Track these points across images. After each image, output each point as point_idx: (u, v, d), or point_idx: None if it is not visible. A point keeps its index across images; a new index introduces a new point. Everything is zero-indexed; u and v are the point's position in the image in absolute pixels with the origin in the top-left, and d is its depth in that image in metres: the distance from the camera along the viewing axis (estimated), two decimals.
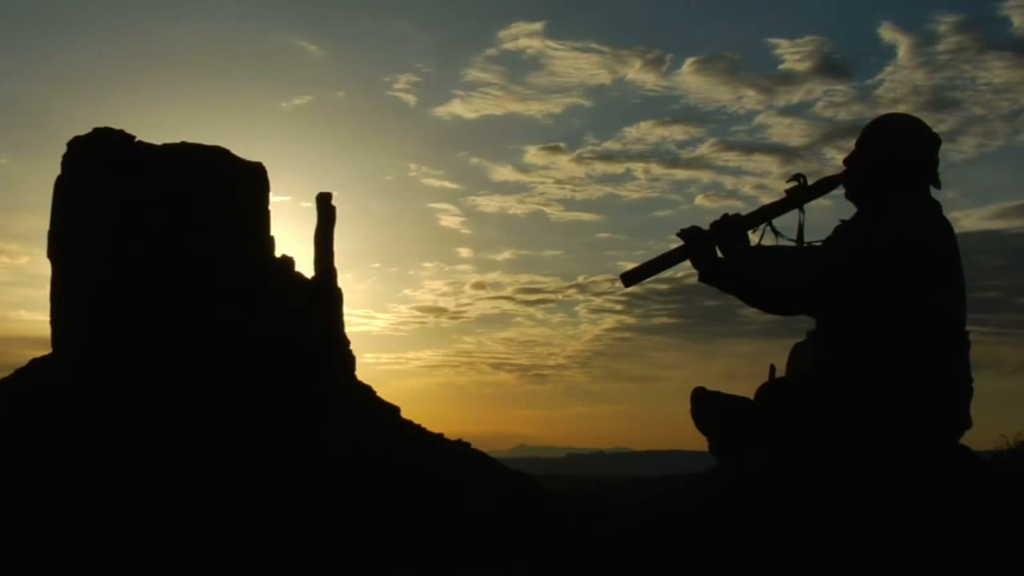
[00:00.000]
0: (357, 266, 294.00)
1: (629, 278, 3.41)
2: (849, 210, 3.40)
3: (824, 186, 3.39)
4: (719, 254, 3.34)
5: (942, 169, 3.34)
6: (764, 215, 3.39)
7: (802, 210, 3.39)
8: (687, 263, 3.38)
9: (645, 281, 3.47)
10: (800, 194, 3.39)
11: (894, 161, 3.27)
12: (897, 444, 3.10)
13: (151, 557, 38.27)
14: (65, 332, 57.53)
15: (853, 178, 3.36)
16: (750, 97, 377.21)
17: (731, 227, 3.34)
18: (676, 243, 3.39)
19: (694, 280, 3.38)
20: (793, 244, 3.38)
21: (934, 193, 3.32)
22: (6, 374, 57.42)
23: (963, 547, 2.93)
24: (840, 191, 3.40)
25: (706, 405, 3.42)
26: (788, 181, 3.42)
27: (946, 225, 3.23)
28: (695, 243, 3.33)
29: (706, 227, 3.36)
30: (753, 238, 3.37)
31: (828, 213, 3.74)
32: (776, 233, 3.39)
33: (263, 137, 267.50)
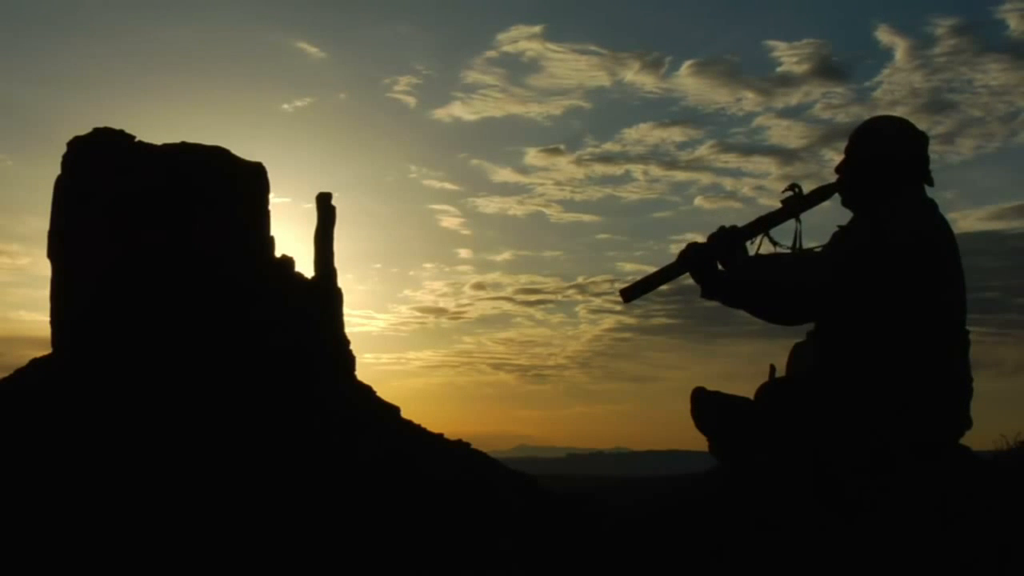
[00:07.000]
0: (357, 266, 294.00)
1: (628, 294, 3.40)
2: (846, 216, 3.41)
3: (820, 195, 3.39)
4: (719, 267, 3.35)
5: (940, 170, 3.35)
6: (761, 226, 3.39)
7: (798, 219, 3.39)
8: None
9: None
10: (796, 203, 3.39)
11: (886, 163, 3.28)
12: (897, 444, 3.10)
13: (151, 557, 38.26)
14: (65, 332, 57.49)
15: (847, 185, 3.36)
16: (749, 99, 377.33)
17: (728, 239, 3.35)
18: (675, 244, 3.39)
19: (694, 281, 3.38)
20: (791, 252, 3.38)
21: (928, 191, 3.33)
22: (6, 374, 57.38)
23: (963, 547, 2.93)
24: (836, 199, 3.40)
25: (706, 405, 3.42)
26: (783, 191, 3.42)
27: (945, 225, 3.24)
28: (694, 256, 3.33)
29: (704, 237, 3.37)
30: (751, 249, 3.37)
31: (827, 216, 3.75)
32: (774, 243, 3.39)
33: (264, 138, 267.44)
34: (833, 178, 3.40)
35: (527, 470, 65.20)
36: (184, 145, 61.11)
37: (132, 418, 51.07)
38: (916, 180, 3.29)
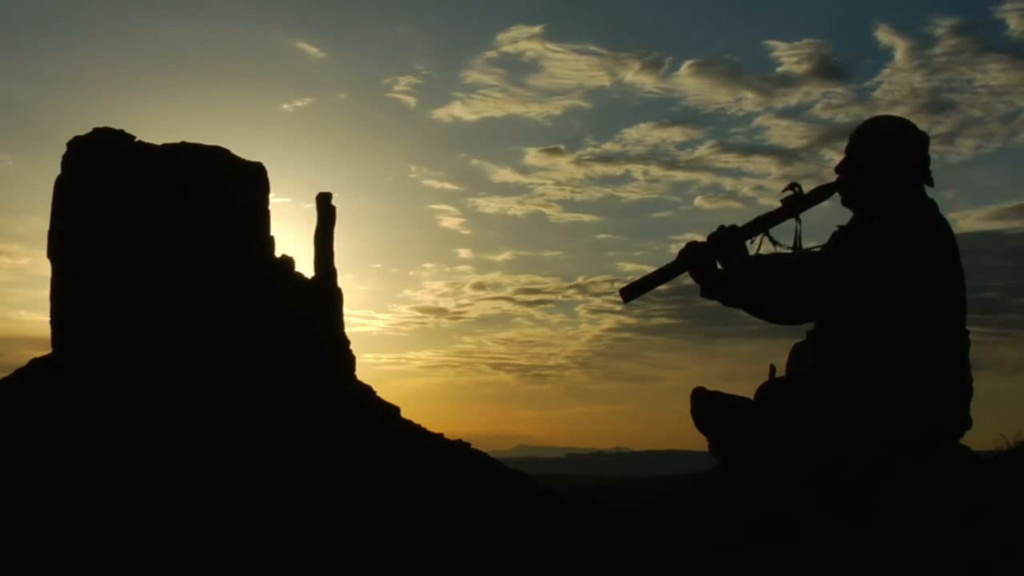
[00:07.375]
0: (357, 266, 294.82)
1: (628, 293, 3.39)
2: (846, 216, 3.40)
3: (819, 194, 3.39)
4: (718, 266, 3.34)
5: (939, 170, 3.35)
6: (761, 225, 3.38)
7: (798, 219, 3.38)
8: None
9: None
10: (796, 203, 3.38)
11: (887, 163, 3.28)
12: (897, 444, 3.10)
13: (151, 557, 38.25)
14: (65, 332, 57.47)
15: (848, 184, 3.36)
16: (749, 99, 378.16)
17: (728, 238, 3.34)
18: (675, 245, 3.39)
19: (693, 280, 3.37)
20: (791, 252, 3.37)
21: (928, 191, 3.33)
22: (6, 374, 57.33)
23: (963, 547, 2.93)
24: (836, 198, 3.40)
25: (706, 405, 3.42)
26: (783, 191, 3.41)
27: (945, 225, 3.24)
28: (693, 256, 3.32)
29: (704, 236, 3.36)
30: (751, 248, 3.37)
31: (827, 216, 3.75)
32: (774, 242, 3.38)
33: (264, 138, 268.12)
34: (833, 178, 3.40)
35: (527, 470, 65.14)
36: (184, 145, 61.08)
37: (132, 418, 51.08)
38: (916, 180, 3.29)
